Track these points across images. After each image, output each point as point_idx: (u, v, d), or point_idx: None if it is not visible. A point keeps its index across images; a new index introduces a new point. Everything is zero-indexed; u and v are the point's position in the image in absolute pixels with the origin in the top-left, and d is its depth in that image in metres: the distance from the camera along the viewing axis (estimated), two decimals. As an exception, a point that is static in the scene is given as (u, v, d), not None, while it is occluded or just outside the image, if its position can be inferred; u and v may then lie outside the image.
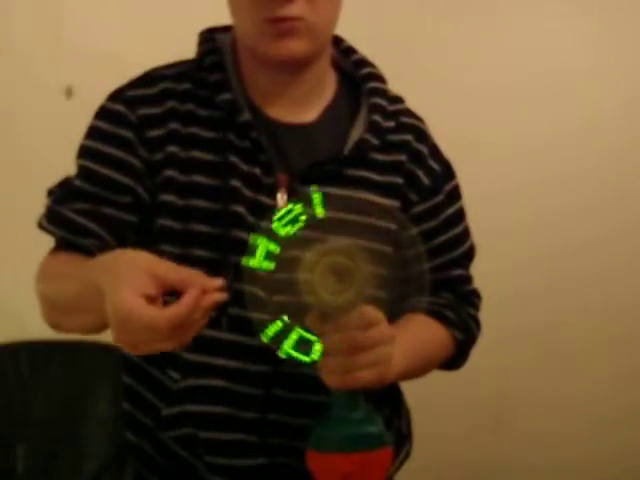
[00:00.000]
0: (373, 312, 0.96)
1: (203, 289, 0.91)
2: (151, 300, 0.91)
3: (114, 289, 0.91)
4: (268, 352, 1.03)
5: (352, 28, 1.28)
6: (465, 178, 1.33)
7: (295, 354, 0.98)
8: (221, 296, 0.93)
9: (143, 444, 1.20)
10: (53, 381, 2.06)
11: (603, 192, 2.43)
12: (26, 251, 1.71)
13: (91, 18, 2.20)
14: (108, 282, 0.93)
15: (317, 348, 0.97)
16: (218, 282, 0.93)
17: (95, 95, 1.23)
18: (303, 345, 0.98)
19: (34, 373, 2.06)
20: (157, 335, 0.90)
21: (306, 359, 0.98)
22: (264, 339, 0.98)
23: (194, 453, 1.15)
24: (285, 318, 0.98)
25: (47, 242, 1.20)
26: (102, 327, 1.02)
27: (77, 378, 2.06)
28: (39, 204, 1.22)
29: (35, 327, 1.54)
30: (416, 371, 1.17)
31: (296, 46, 1.11)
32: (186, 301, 0.90)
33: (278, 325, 0.98)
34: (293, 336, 0.98)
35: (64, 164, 1.24)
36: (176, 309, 0.89)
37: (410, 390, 1.31)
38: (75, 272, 1.07)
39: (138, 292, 0.90)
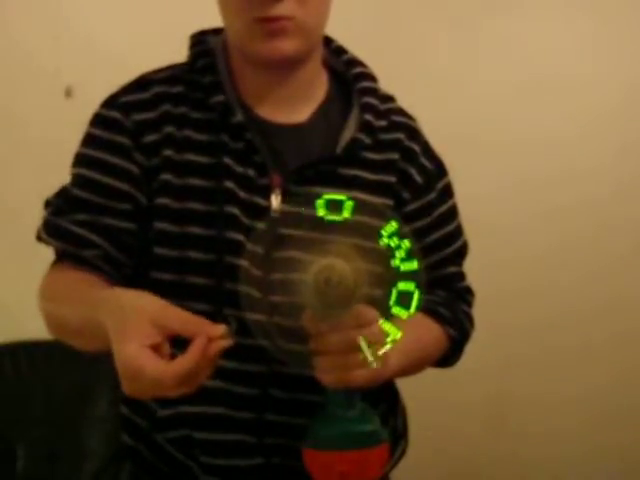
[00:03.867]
0: (368, 311, 0.96)
1: (208, 337, 0.91)
2: (157, 347, 0.91)
3: (119, 340, 0.92)
4: (264, 352, 1.03)
5: (351, 28, 1.28)
6: (465, 176, 1.33)
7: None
8: (226, 343, 0.92)
9: (139, 447, 1.20)
10: (53, 381, 2.06)
11: (602, 190, 2.44)
12: (25, 251, 1.72)
13: (91, 18, 2.21)
14: (113, 330, 0.94)
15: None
16: (222, 329, 0.93)
17: (95, 95, 1.23)
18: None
19: (34, 373, 2.06)
20: (166, 387, 0.91)
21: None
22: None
23: (190, 454, 1.15)
24: None
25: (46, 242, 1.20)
26: (105, 351, 1.03)
27: (77, 378, 2.07)
28: (38, 204, 1.22)
29: (35, 327, 1.54)
30: (411, 368, 1.16)
31: (287, 45, 1.11)
32: (192, 355, 0.90)
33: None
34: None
35: (64, 164, 1.24)
36: (182, 363, 0.90)
37: (409, 389, 1.31)
38: (79, 301, 1.07)
39: (144, 343, 0.91)
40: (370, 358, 0.95)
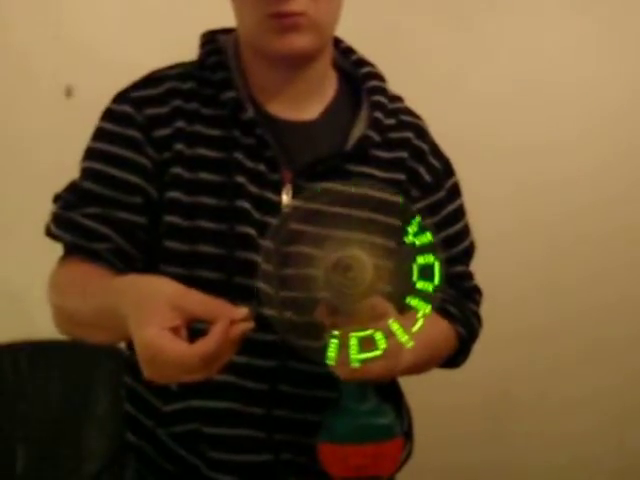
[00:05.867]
0: (383, 304, 0.97)
1: (230, 320, 0.90)
2: (176, 331, 0.90)
3: (139, 324, 0.91)
4: (274, 347, 1.04)
5: (352, 28, 1.29)
6: (466, 180, 1.33)
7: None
8: (248, 325, 0.91)
9: (144, 445, 1.20)
10: (53, 381, 2.05)
11: (603, 194, 2.44)
12: (26, 251, 1.72)
13: (91, 18, 2.20)
14: (132, 314, 0.93)
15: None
16: (244, 311, 0.92)
17: (95, 95, 1.23)
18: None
19: (34, 373, 2.05)
20: (187, 370, 0.90)
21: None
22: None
23: (196, 450, 1.15)
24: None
25: (47, 241, 1.19)
26: (119, 342, 1.02)
27: (77, 378, 2.06)
28: (40, 203, 1.22)
29: (36, 326, 1.54)
30: (423, 365, 1.17)
31: (299, 41, 1.12)
32: (214, 336, 0.89)
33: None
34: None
35: (64, 163, 1.24)
36: (205, 345, 0.89)
37: (412, 391, 1.31)
38: (92, 291, 1.06)
39: (164, 326, 0.90)
40: (383, 348, 0.95)
